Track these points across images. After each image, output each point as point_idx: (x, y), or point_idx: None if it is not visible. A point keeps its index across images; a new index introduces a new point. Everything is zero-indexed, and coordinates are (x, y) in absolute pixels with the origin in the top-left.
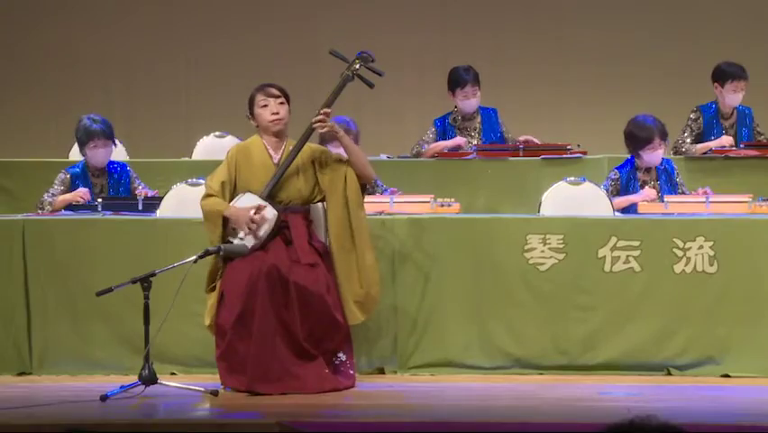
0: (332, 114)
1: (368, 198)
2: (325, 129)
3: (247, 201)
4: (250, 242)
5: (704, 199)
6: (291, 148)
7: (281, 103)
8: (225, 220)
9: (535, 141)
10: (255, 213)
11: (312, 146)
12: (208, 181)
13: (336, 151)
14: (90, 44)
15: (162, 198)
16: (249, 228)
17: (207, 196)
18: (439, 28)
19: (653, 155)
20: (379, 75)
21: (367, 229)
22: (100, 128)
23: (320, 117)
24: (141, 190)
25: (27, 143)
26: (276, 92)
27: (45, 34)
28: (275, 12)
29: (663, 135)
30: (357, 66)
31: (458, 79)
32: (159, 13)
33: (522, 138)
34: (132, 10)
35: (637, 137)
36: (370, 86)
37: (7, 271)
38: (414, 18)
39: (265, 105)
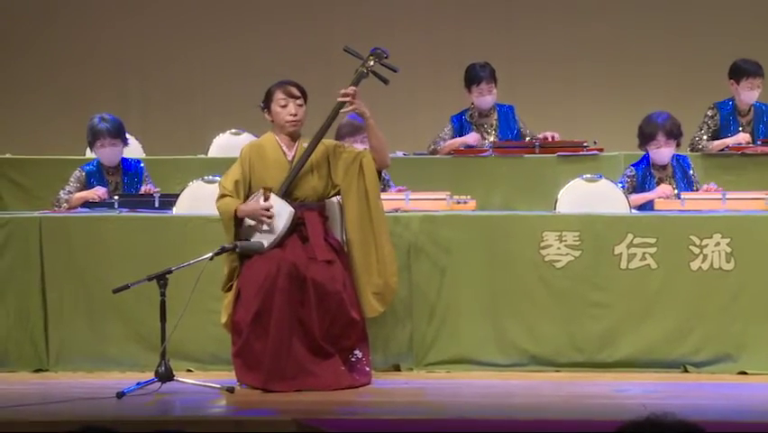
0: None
1: (383, 196)
2: (353, 107)
3: (262, 201)
4: (267, 240)
5: (720, 196)
6: (305, 145)
7: (300, 105)
8: (239, 220)
9: (556, 136)
10: (264, 200)
11: (325, 142)
12: (222, 181)
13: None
14: (106, 41)
15: (178, 195)
16: (266, 218)
17: (222, 196)
18: (454, 24)
19: (658, 152)
20: (394, 71)
21: (385, 219)
22: (106, 127)
23: (348, 99)
24: (144, 187)
25: (43, 140)
26: (296, 92)
27: (61, 31)
28: (290, 9)
29: (671, 134)
30: (371, 62)
31: (474, 76)
32: (174, 10)
33: (542, 135)
34: (147, 7)
35: (643, 133)
36: (385, 82)
37: (24, 268)
38: (429, 14)
39: (284, 106)
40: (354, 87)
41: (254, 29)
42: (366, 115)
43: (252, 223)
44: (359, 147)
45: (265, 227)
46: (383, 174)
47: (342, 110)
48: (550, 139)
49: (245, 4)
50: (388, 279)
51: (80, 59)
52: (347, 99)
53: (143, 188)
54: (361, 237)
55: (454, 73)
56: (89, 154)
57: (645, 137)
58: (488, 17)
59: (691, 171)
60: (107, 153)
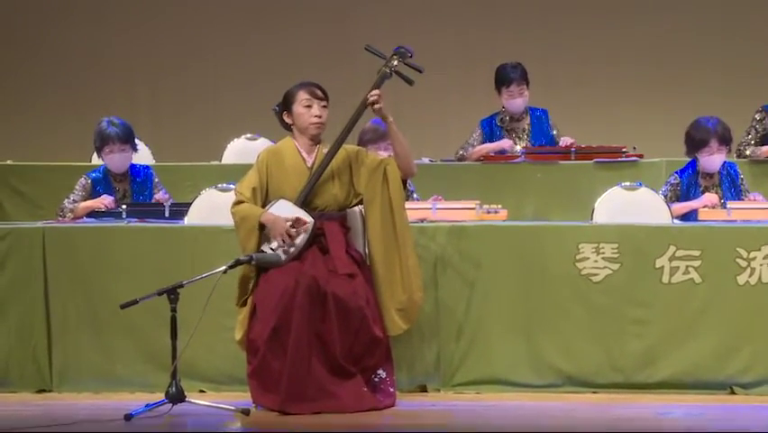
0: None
1: (409, 205)
2: (380, 106)
3: (281, 208)
4: (285, 252)
5: None
6: (326, 151)
7: (324, 106)
8: (261, 226)
9: (570, 141)
10: (292, 226)
11: (347, 147)
12: (238, 187)
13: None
14: (115, 42)
15: (190, 204)
16: (283, 241)
17: (238, 202)
18: (486, 23)
19: (710, 159)
20: (419, 71)
21: (410, 230)
22: (115, 132)
23: (375, 98)
24: (159, 195)
25: (47, 146)
26: (321, 94)
27: (67, 32)
28: (307, 8)
29: (723, 140)
30: (395, 62)
31: (504, 77)
32: (186, 12)
33: (563, 143)
34: (159, 9)
35: (693, 139)
36: (410, 82)
37: (26, 281)
38: (459, 12)
39: (309, 106)
40: (378, 91)
41: (271, 29)
42: (389, 120)
43: (269, 234)
44: (382, 154)
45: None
46: (407, 183)
47: (369, 106)
48: (570, 144)
49: (260, 5)
50: (413, 294)
51: (88, 61)
52: (374, 98)
53: (156, 196)
54: (385, 250)
55: (485, 74)
56: (96, 161)
57: (697, 144)
58: (522, 15)
59: (740, 179)
60: (116, 160)
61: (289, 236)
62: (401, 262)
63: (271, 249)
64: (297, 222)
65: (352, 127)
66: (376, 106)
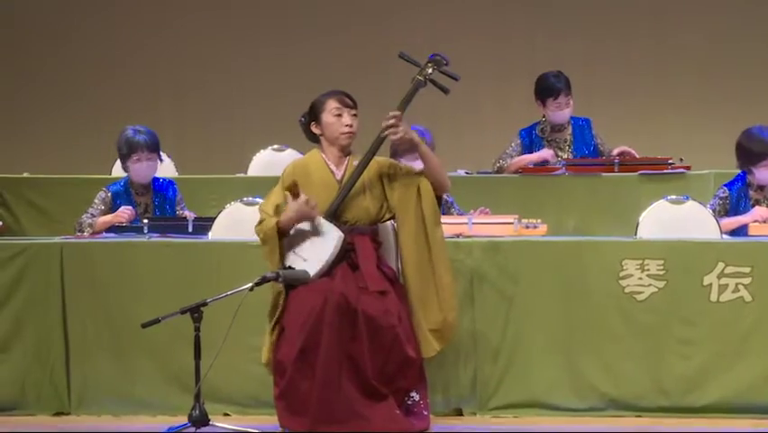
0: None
1: (443, 219)
2: (398, 135)
3: (308, 223)
4: (312, 268)
5: None
6: (356, 163)
7: (354, 115)
8: (283, 234)
9: (633, 153)
10: (293, 197)
11: (378, 159)
12: (262, 205)
13: (409, 164)
14: (136, 51)
15: (214, 218)
16: (310, 208)
17: (262, 221)
18: (525, 30)
19: (767, 172)
20: (455, 79)
21: (445, 248)
22: (144, 140)
23: (391, 122)
24: (182, 212)
25: (66, 159)
26: (351, 102)
27: (88, 43)
28: (340, 15)
29: None
30: (429, 70)
31: (549, 88)
32: (209, 22)
33: (617, 151)
34: (181, 20)
35: (749, 151)
36: (445, 91)
37: (44, 299)
38: (496, 19)
39: (339, 115)
40: (398, 113)
41: (298, 38)
42: (415, 140)
43: (296, 250)
44: (418, 165)
45: (311, 254)
46: (445, 196)
47: (386, 136)
48: (627, 154)
49: (287, 12)
50: (448, 314)
51: (108, 72)
52: (390, 127)
53: (185, 214)
54: (418, 268)
55: (523, 83)
56: (116, 173)
57: (753, 156)
58: (561, 23)
59: None
60: (143, 169)
61: (308, 203)
62: (436, 281)
63: (304, 259)
64: (293, 189)
65: (380, 142)
66: (395, 137)
